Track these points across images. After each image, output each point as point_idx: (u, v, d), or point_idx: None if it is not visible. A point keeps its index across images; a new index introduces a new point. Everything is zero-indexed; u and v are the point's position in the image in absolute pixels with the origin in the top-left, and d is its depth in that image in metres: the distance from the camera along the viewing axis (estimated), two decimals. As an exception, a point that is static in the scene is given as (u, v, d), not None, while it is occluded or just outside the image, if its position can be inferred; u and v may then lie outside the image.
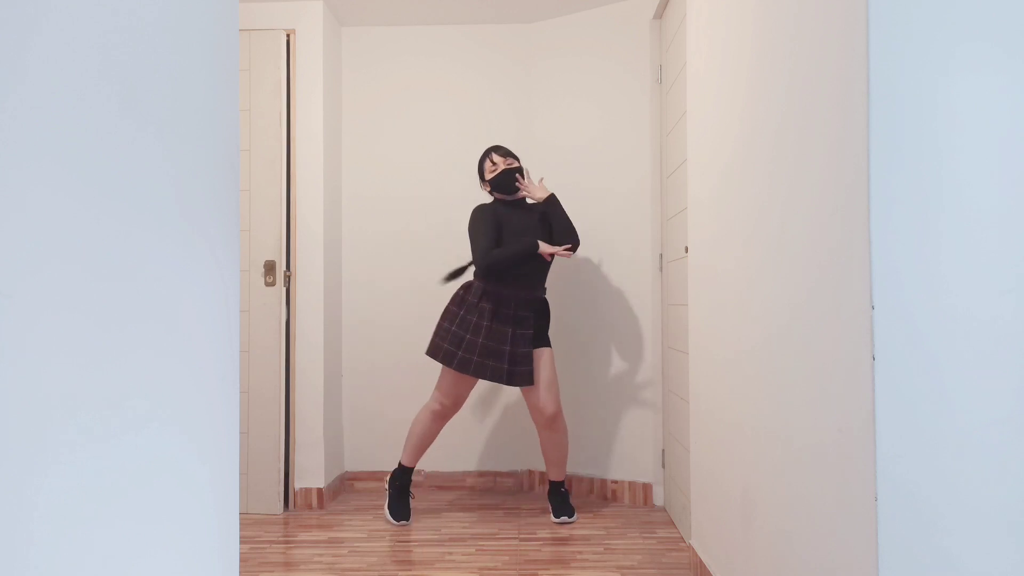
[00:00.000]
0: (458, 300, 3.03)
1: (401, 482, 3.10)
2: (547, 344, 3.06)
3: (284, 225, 3.25)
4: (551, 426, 3.01)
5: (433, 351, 3.00)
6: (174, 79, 0.91)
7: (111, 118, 0.77)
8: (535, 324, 3.04)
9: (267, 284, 3.22)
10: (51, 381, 0.67)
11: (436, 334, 3.02)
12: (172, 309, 0.89)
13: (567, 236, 3.01)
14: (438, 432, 3.09)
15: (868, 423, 1.13)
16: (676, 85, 2.94)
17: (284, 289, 3.26)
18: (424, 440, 3.08)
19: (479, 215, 3.02)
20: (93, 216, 0.74)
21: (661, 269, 3.27)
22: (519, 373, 2.95)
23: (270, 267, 3.22)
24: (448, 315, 3.02)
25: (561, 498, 3.08)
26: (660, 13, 3.24)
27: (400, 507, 3.07)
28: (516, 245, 2.95)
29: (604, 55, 3.46)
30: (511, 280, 2.98)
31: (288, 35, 3.33)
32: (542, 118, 3.67)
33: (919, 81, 1.12)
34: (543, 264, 3.04)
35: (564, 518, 3.04)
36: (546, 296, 3.16)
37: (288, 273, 3.29)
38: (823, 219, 1.32)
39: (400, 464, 3.11)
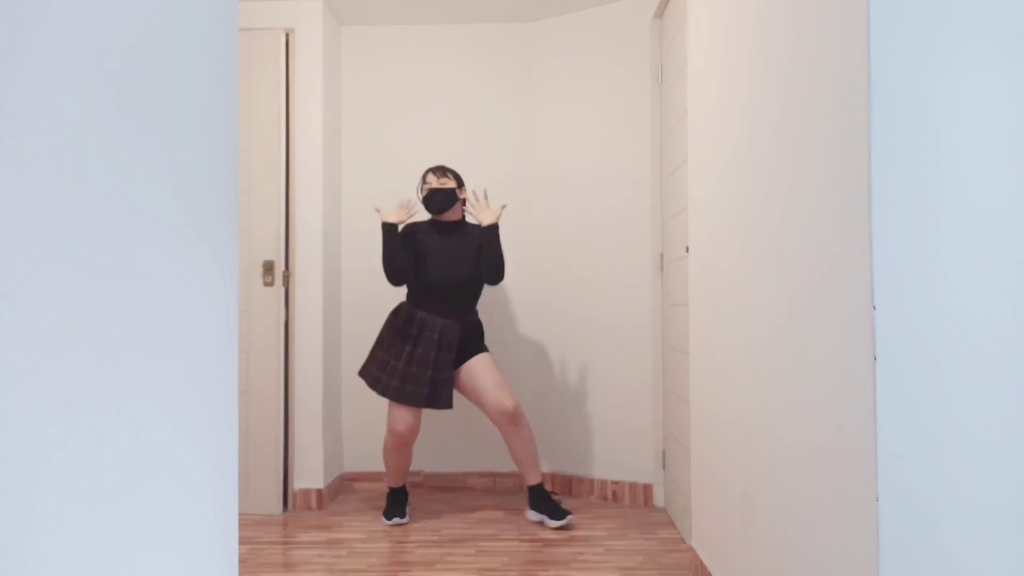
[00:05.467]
0: (388, 326, 3.08)
1: (395, 496, 3.14)
2: (483, 351, 3.08)
3: (283, 225, 3.26)
4: (515, 422, 2.98)
5: (363, 372, 3.07)
6: (174, 79, 0.91)
7: (111, 118, 0.78)
8: (462, 345, 3.05)
9: (266, 284, 3.22)
10: (51, 381, 0.67)
11: (369, 358, 3.08)
12: (172, 309, 0.89)
13: (492, 271, 3.00)
14: (404, 457, 3.08)
15: (868, 423, 1.14)
16: (676, 85, 2.94)
17: (283, 289, 3.26)
18: (396, 466, 3.10)
19: (404, 229, 3.15)
20: (93, 216, 0.74)
21: (661, 269, 3.27)
22: (440, 397, 2.97)
23: (269, 267, 3.22)
24: (379, 341, 3.08)
25: (551, 502, 3.02)
26: (660, 12, 3.24)
27: (393, 510, 3.10)
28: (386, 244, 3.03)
29: (604, 54, 3.46)
30: (437, 305, 3.03)
31: (287, 34, 3.33)
32: (542, 117, 3.67)
33: (919, 81, 1.12)
34: (472, 289, 3.07)
35: (569, 519, 2.97)
36: (478, 317, 3.17)
37: (287, 273, 3.29)
38: (824, 219, 1.33)
39: (389, 487, 3.16)
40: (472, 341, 3.10)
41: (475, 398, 3.04)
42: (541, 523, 3.03)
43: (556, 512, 2.99)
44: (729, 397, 2.00)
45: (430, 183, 3.09)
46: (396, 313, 3.08)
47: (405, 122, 3.73)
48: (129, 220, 0.81)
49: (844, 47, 1.23)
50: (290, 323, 3.32)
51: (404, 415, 3.00)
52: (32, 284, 0.65)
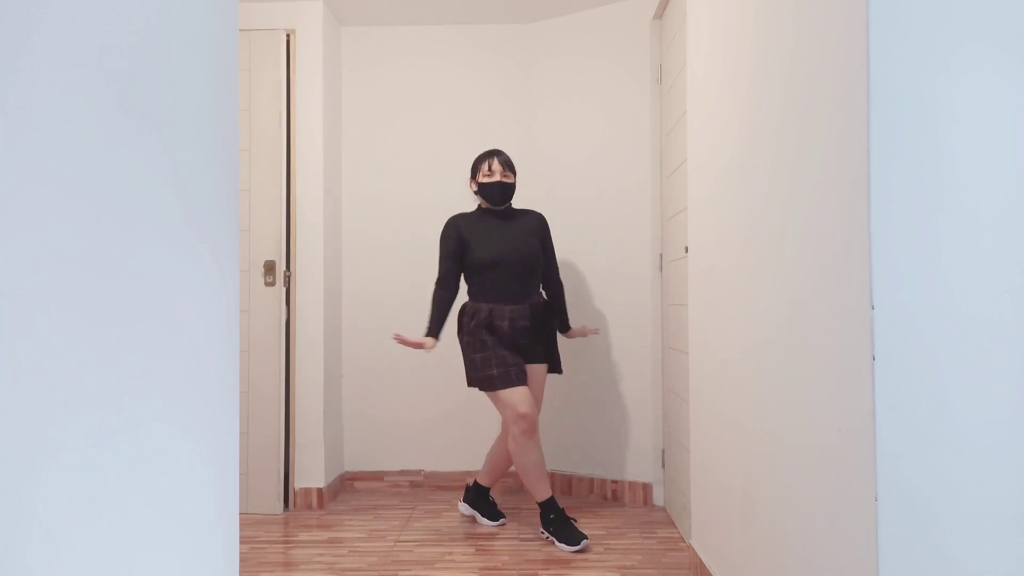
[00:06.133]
0: (461, 330, 2.94)
1: (555, 515, 2.81)
2: (542, 361, 2.97)
3: (284, 225, 3.25)
4: (526, 434, 2.79)
5: (473, 383, 2.89)
6: (174, 79, 0.91)
7: (111, 118, 0.77)
8: (535, 328, 2.94)
9: (267, 284, 3.22)
10: (51, 381, 0.67)
11: (467, 369, 2.90)
12: (172, 309, 0.89)
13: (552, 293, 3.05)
14: (539, 448, 2.84)
15: (868, 423, 1.13)
16: (676, 85, 2.94)
17: (284, 289, 3.26)
18: (537, 465, 2.82)
19: (445, 232, 3.01)
20: (93, 216, 0.74)
21: (661, 269, 3.27)
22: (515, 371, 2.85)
23: (270, 267, 3.22)
24: (463, 348, 2.91)
25: (491, 505, 3.10)
26: (660, 13, 3.24)
27: (568, 531, 2.76)
28: (436, 313, 2.93)
29: (604, 55, 3.46)
30: (498, 289, 2.90)
31: (288, 35, 3.33)
32: (542, 118, 3.67)
33: (919, 81, 1.12)
34: (529, 267, 2.93)
35: (502, 521, 3.05)
36: (542, 300, 3.02)
37: (288, 273, 3.29)
38: (823, 219, 1.32)
39: (539, 503, 2.84)
40: (543, 327, 2.97)
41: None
42: (473, 519, 3.11)
43: (493, 514, 3.05)
44: (729, 397, 2.00)
45: (494, 173, 2.94)
46: (461, 315, 2.95)
47: (405, 122, 3.73)
48: (129, 220, 0.81)
49: (844, 47, 1.22)
50: (291, 323, 3.32)
51: (521, 395, 2.77)
52: (32, 284, 0.65)
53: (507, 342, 2.87)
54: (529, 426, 2.77)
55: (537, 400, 2.95)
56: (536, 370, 2.96)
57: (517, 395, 2.78)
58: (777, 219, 1.59)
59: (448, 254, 2.98)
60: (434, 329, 2.91)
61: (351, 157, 3.72)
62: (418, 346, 2.84)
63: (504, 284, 2.90)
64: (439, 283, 2.97)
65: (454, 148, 3.69)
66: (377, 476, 3.66)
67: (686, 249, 2.60)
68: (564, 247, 3.56)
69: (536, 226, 3.02)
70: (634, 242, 3.35)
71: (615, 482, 3.37)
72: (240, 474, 3.15)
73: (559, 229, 3.56)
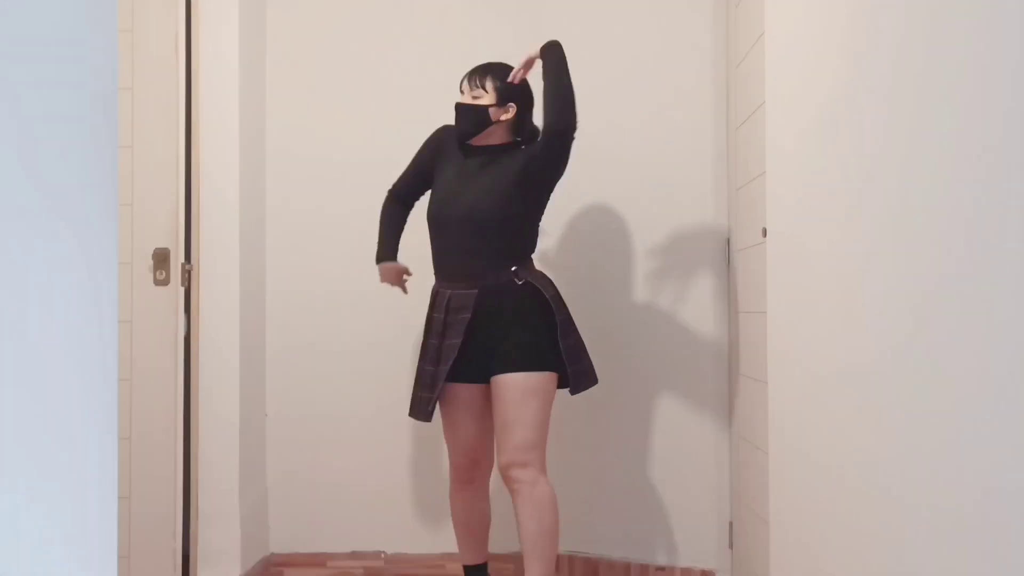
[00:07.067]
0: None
1: None
2: (516, 368, 2.81)
3: (182, 198, 3.26)
4: (519, 484, 2.80)
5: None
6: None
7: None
8: (489, 319, 2.83)
9: (157, 282, 3.22)
10: None
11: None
12: (15, 320, 0.88)
13: (556, 110, 2.83)
14: (472, 507, 3.09)
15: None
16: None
17: (182, 289, 3.26)
18: (462, 523, 3.12)
19: (430, 136, 3.12)
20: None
21: (728, 262, 3.27)
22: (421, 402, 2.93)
23: (162, 258, 3.21)
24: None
25: None
26: None
27: None
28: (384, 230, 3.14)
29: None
30: (449, 265, 2.96)
31: (186, -77, 3.33)
32: (559, 36, 3.65)
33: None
34: (495, 232, 2.87)
35: None
36: (522, 279, 2.88)
37: (188, 267, 3.29)
38: (965, 179, 1.31)
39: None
40: (514, 321, 2.84)
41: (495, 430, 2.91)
42: None
43: None
44: (832, 442, 1.99)
45: (464, 95, 2.99)
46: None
47: (359, 49, 3.73)
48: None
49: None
50: (192, 338, 3.31)
51: (457, 433, 2.98)
52: None
53: (431, 339, 2.93)
54: (458, 475, 3.02)
55: (522, 422, 2.79)
56: (507, 384, 2.81)
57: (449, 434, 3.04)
58: (895, 181, 1.58)
59: (415, 161, 3.13)
60: (385, 251, 3.10)
61: (279, 99, 3.73)
62: (397, 279, 3.11)
63: (455, 255, 2.93)
64: (391, 192, 3.17)
65: (424, 82, 3.66)
66: (318, 560, 3.67)
67: (764, 231, 2.60)
68: (584, 232, 3.55)
69: (521, 164, 2.92)
70: (689, 223, 3.36)
71: (661, 569, 3.38)
72: (119, 557, 3.14)
73: (579, 204, 3.54)
